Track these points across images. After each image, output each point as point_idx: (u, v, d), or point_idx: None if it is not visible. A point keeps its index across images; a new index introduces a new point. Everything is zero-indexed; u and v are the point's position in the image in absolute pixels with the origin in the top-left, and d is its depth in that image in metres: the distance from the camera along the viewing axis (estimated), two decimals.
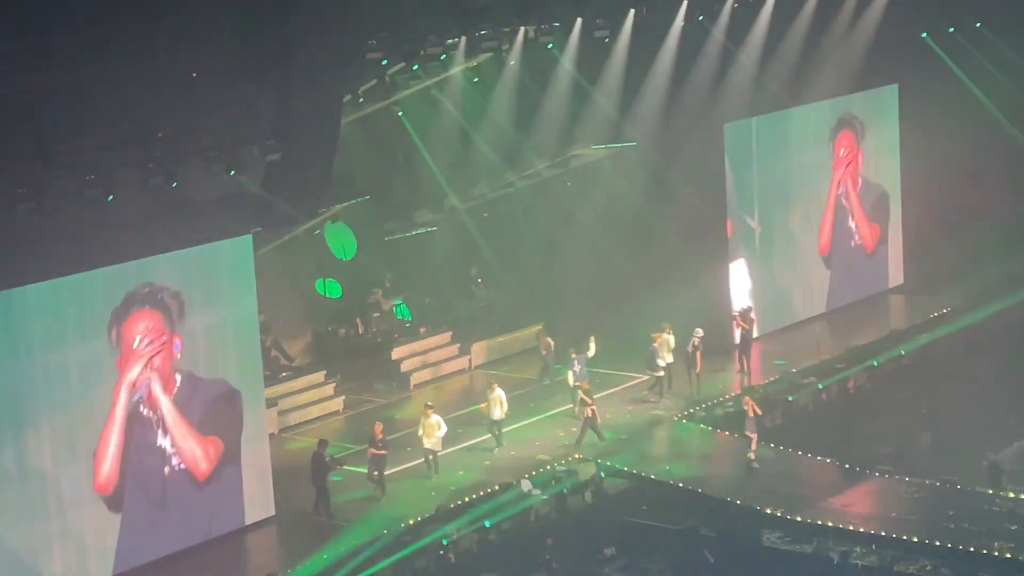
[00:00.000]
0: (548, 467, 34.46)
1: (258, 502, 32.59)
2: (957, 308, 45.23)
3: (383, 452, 33.45)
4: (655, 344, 38.60)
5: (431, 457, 34.48)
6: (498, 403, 36.07)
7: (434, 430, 34.38)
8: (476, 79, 42.21)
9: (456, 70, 40.73)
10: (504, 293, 44.92)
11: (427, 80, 40.31)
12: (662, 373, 38.87)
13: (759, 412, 35.06)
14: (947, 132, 46.90)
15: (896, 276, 48.83)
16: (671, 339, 38.79)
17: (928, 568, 29.83)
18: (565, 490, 33.44)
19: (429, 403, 35.62)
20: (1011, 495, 32.15)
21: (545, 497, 33.06)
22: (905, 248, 48.92)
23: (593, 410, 35.54)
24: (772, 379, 40.21)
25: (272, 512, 32.77)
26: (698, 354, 39.11)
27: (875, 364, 41.17)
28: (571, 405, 37.75)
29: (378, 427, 33.93)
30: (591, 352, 38.60)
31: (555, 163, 45.16)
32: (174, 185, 30.61)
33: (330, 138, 33.52)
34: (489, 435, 36.25)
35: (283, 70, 32.03)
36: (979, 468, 33.93)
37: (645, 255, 44.25)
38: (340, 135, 34.39)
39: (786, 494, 33.30)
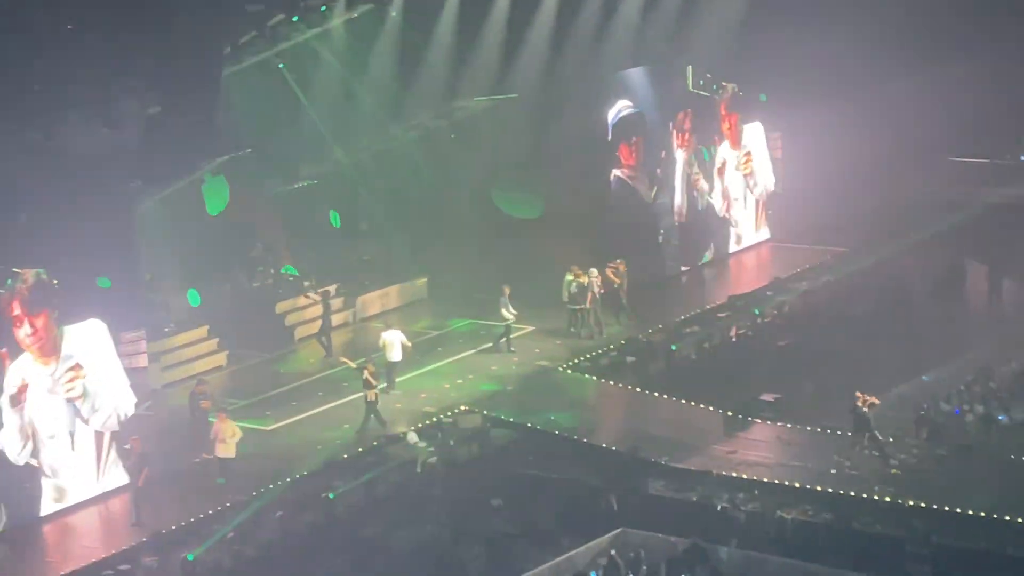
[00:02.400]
0: (434, 419, 34.44)
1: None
2: (837, 256, 45.81)
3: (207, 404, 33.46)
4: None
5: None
6: (393, 346, 36.08)
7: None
8: (357, 30, 41.89)
9: (337, 22, 40.40)
10: (390, 246, 44.75)
11: (308, 32, 39.95)
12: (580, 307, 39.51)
13: (877, 402, 32.24)
14: (827, 75, 47.29)
15: (775, 227, 49.32)
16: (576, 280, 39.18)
17: (810, 513, 30.18)
18: (452, 442, 33.45)
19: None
20: (891, 440, 32.63)
21: (431, 449, 33.05)
22: (783, 199, 49.44)
23: (376, 394, 34.68)
24: (655, 328, 40.48)
25: None
26: (591, 295, 39.60)
27: (757, 313, 41.57)
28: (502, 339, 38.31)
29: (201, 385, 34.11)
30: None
31: (439, 115, 45.03)
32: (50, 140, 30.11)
33: (211, 91, 33.16)
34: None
35: (162, 22, 31.57)
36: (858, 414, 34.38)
37: (528, 205, 44.33)
38: (221, 88, 33.97)
39: (671, 442, 33.56)
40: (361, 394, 34.74)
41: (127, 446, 31.57)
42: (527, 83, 44.11)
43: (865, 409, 31.74)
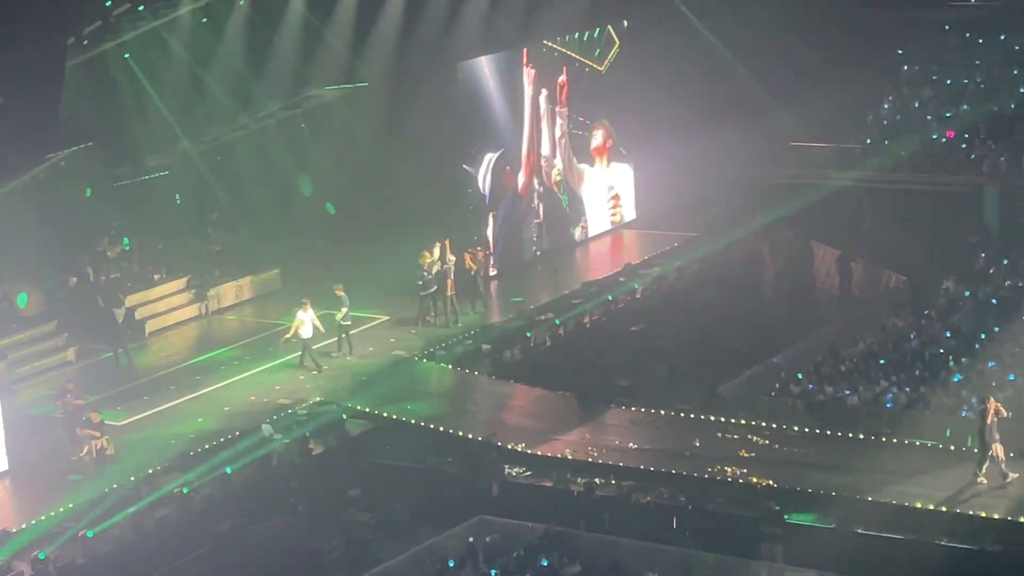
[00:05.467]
0: (289, 411, 34.22)
1: None
2: (688, 241, 46.29)
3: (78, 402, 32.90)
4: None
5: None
6: (304, 323, 36.15)
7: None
8: (205, 19, 41.45)
9: (184, 10, 39.92)
10: (241, 237, 44.35)
11: (154, 21, 39.42)
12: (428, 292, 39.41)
13: (1004, 414, 29.69)
14: (673, 68, 47.72)
15: (628, 212, 49.68)
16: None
17: (665, 496, 30.47)
18: (307, 433, 33.25)
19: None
20: (743, 422, 33.04)
21: (287, 441, 32.84)
22: (635, 185, 49.85)
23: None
24: (510, 316, 40.62)
25: (5, 467, 31.86)
26: (448, 282, 39.56)
27: (610, 298, 41.88)
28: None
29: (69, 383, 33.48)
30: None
31: (289, 105, 44.71)
32: None
33: (55, 82, 32.55)
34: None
35: (3, 12, 30.91)
36: (711, 397, 34.79)
37: (383, 196, 44.19)
38: (65, 79, 33.39)
39: (527, 429, 33.70)
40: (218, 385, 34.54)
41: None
42: (377, 71, 43.93)
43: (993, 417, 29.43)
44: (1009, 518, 28.08)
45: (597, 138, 48.54)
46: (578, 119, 47.42)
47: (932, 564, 27.27)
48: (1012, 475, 29.26)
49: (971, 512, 28.30)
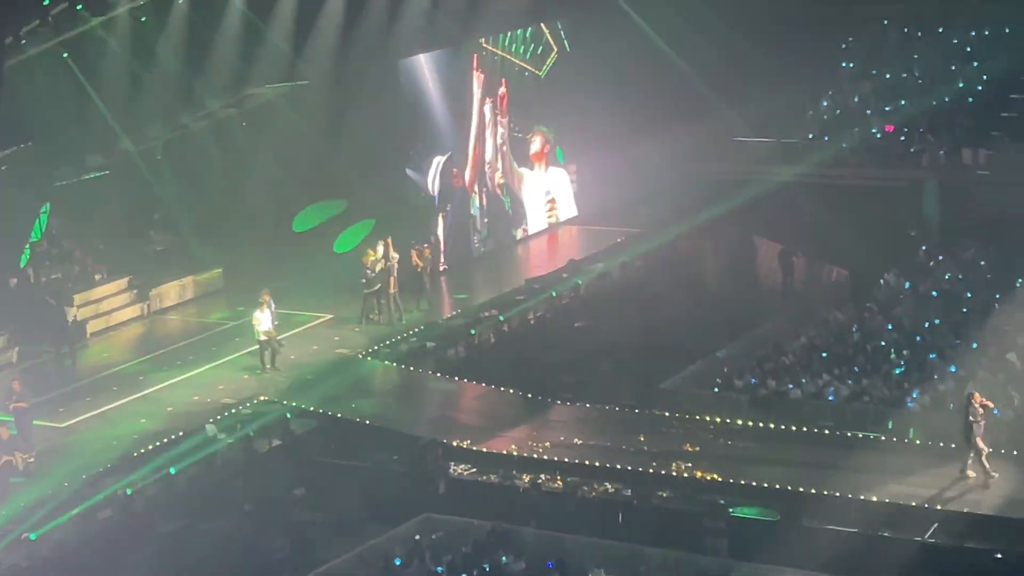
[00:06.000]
0: (233, 411, 34.08)
1: None
2: (631, 238, 46.40)
3: (23, 404, 32.53)
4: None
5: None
6: (261, 322, 36.11)
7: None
8: (143, 18, 41.21)
9: (122, 10, 39.66)
10: (183, 236, 44.10)
11: (92, 20, 39.15)
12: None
13: (990, 405, 29.26)
14: (615, 66, 47.80)
15: (564, 215, 49.78)
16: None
17: (611, 491, 30.55)
18: (252, 432, 33.12)
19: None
20: (687, 417, 33.15)
21: (231, 441, 32.69)
22: (580, 182, 49.95)
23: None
24: (454, 313, 40.60)
25: None
26: (391, 279, 39.49)
27: (554, 295, 41.92)
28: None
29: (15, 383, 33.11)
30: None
31: (229, 103, 44.49)
32: None
33: None
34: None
35: None
36: (655, 392, 34.87)
37: (325, 194, 44.09)
38: (4, 78, 33.11)
39: (472, 426, 33.69)
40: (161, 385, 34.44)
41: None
42: (319, 69, 43.78)
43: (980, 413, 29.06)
44: (943, 508, 28.32)
45: (535, 144, 48.83)
46: (518, 124, 47.67)
47: (877, 556, 27.43)
48: (994, 473, 28.91)
49: (913, 504, 28.49)
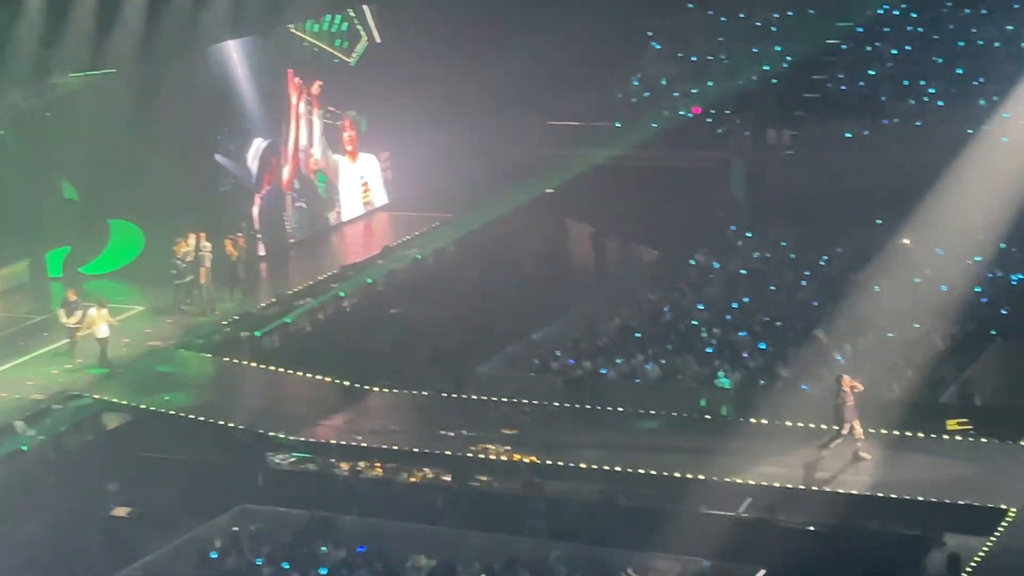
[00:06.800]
0: (43, 406, 33.37)
1: None
2: (445, 223, 46.46)
3: None
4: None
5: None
6: (97, 322, 35.16)
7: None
8: None
9: None
10: None
11: None
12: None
13: (859, 386, 29.30)
14: (428, 53, 47.80)
15: (377, 199, 49.70)
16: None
17: (430, 476, 30.62)
18: (63, 428, 32.50)
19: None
20: (504, 400, 33.32)
21: (42, 437, 32.03)
22: (392, 169, 49.87)
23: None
24: (269, 301, 40.29)
25: None
26: (203, 269, 38.94)
27: (369, 282, 41.81)
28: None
29: None
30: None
31: (31, 93, 43.40)
32: None
33: None
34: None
35: None
36: (472, 376, 34.98)
37: (134, 184, 43.33)
38: None
39: (289, 415, 33.48)
40: None
41: None
42: (124, 56, 42.95)
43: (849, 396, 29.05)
44: (756, 483, 28.83)
45: (346, 130, 48.63)
46: (329, 111, 47.61)
47: (693, 531, 27.77)
48: (865, 455, 28.95)
49: (727, 479, 28.88)
